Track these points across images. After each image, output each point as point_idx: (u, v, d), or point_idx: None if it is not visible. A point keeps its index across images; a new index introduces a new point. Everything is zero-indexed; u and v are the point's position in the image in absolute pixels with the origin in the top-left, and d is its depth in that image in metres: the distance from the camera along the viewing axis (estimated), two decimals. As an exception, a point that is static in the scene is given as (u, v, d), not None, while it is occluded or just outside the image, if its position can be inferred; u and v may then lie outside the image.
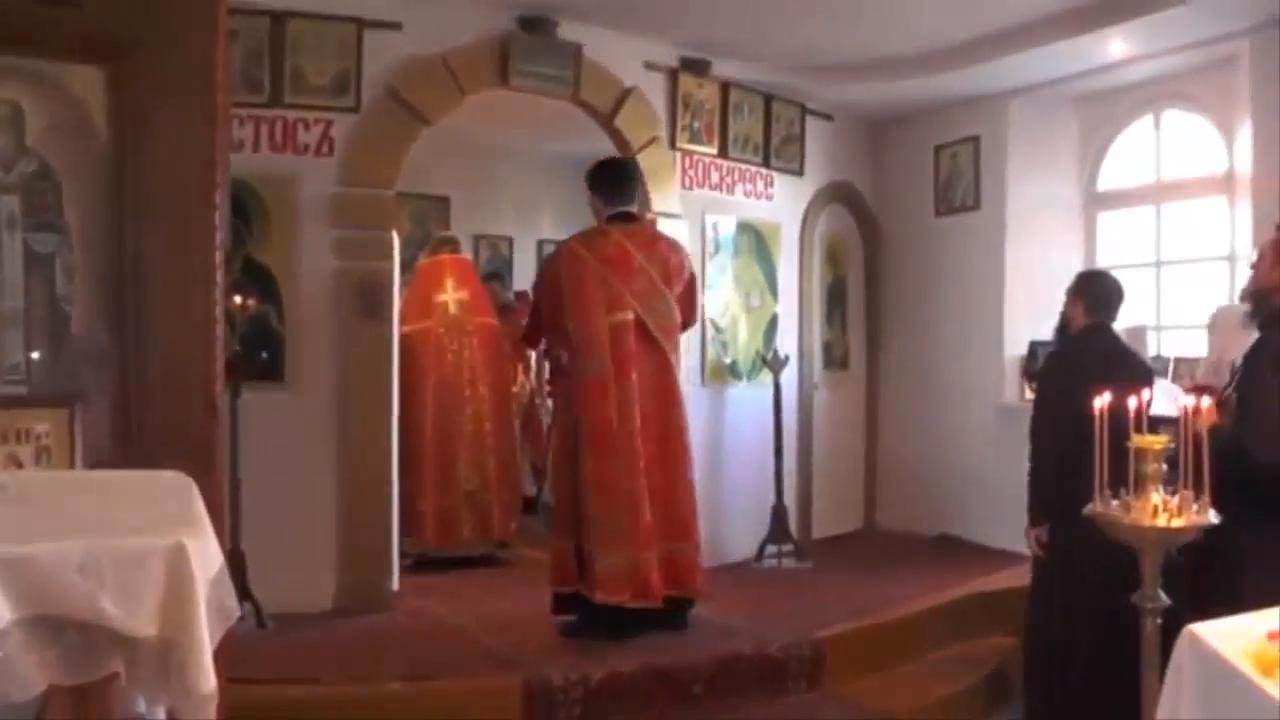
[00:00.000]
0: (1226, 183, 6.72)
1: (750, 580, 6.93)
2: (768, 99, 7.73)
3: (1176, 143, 7.28)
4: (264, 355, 5.71)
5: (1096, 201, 7.82)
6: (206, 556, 2.23)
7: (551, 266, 5.74)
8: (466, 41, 6.28)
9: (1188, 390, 3.98)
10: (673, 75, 7.16)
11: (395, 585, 6.18)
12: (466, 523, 7.21)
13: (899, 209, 8.58)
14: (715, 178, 7.47)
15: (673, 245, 5.80)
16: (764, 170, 7.78)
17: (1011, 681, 5.31)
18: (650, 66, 7.04)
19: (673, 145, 7.15)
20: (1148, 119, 7.45)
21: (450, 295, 7.44)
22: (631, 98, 6.87)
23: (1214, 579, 3.84)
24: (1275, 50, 6.04)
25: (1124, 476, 3.35)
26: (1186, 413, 3.21)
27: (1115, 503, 3.34)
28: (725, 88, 7.46)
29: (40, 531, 2.07)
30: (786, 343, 7.87)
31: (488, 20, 6.33)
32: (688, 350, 6.78)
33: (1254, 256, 4.64)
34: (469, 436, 7.28)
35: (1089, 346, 4.86)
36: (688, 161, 7.28)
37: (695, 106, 7.26)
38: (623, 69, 6.85)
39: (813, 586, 6.75)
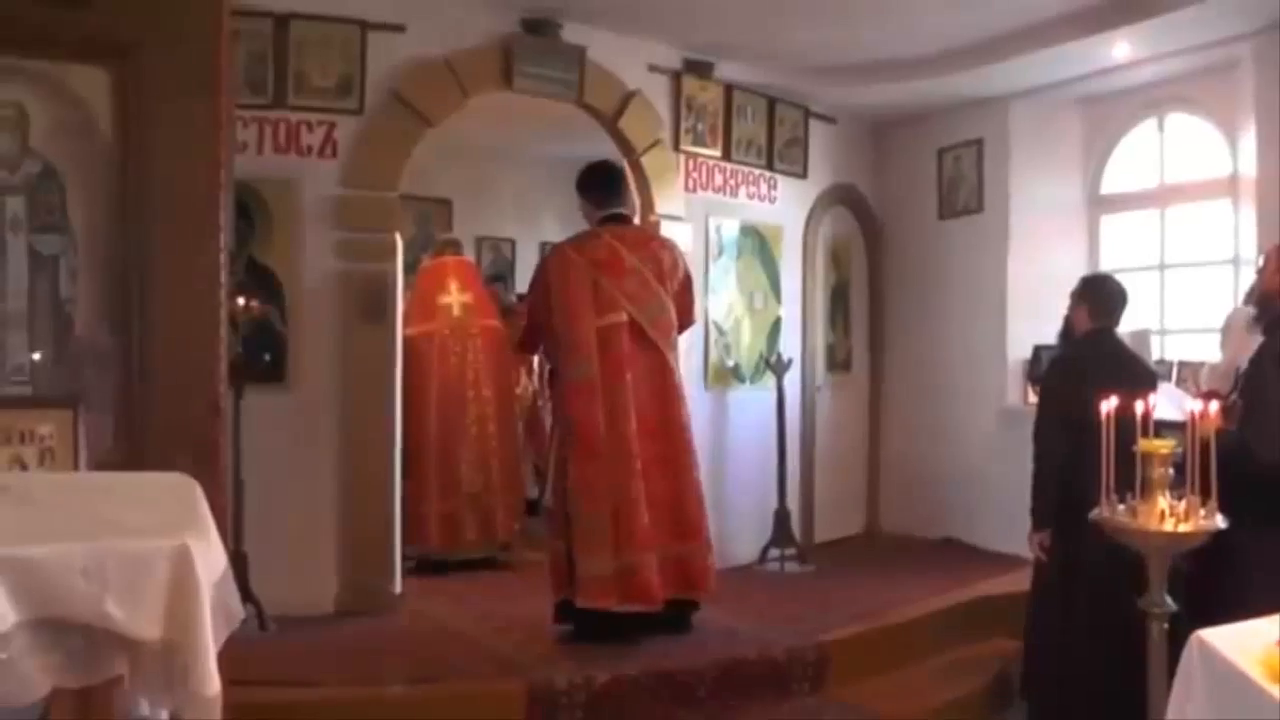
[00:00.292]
0: (1230, 186, 6.71)
1: (753, 583, 6.92)
2: (771, 102, 7.72)
3: (1180, 146, 7.28)
4: (267, 357, 5.70)
5: (1100, 205, 7.81)
6: (211, 559, 2.22)
7: (542, 271, 5.73)
8: (470, 44, 6.28)
9: (1197, 397, 3.97)
10: (676, 78, 7.15)
11: (398, 588, 6.17)
12: (469, 525, 7.20)
13: (902, 212, 8.57)
14: (719, 180, 7.46)
15: (665, 244, 5.79)
16: (767, 173, 7.77)
17: (1014, 686, 5.29)
18: (654, 69, 7.03)
19: (676, 148, 7.15)
20: (1151, 122, 7.44)
21: (454, 298, 7.44)
22: (635, 100, 6.86)
23: (1216, 583, 3.83)
24: (1279, 54, 6.03)
25: (1130, 481, 3.35)
26: (1194, 417, 3.20)
27: (1122, 507, 3.33)
28: (729, 90, 7.45)
29: (44, 533, 2.06)
30: (789, 345, 7.86)
31: (491, 23, 6.33)
32: (690, 353, 6.77)
33: (1260, 261, 4.64)
34: (472, 439, 7.27)
35: (1093, 350, 4.86)
36: (691, 164, 7.27)
37: (699, 109, 7.25)
38: (626, 71, 6.85)
39: (816, 590, 6.74)
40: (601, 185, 5.72)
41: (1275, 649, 2.15)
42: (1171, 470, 3.30)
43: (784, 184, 7.91)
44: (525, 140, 9.38)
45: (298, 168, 5.90)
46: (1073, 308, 5.04)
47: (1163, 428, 3.47)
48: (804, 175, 8.04)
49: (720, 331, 7.42)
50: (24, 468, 3.18)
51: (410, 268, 7.38)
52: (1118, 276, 5.23)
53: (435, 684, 4.79)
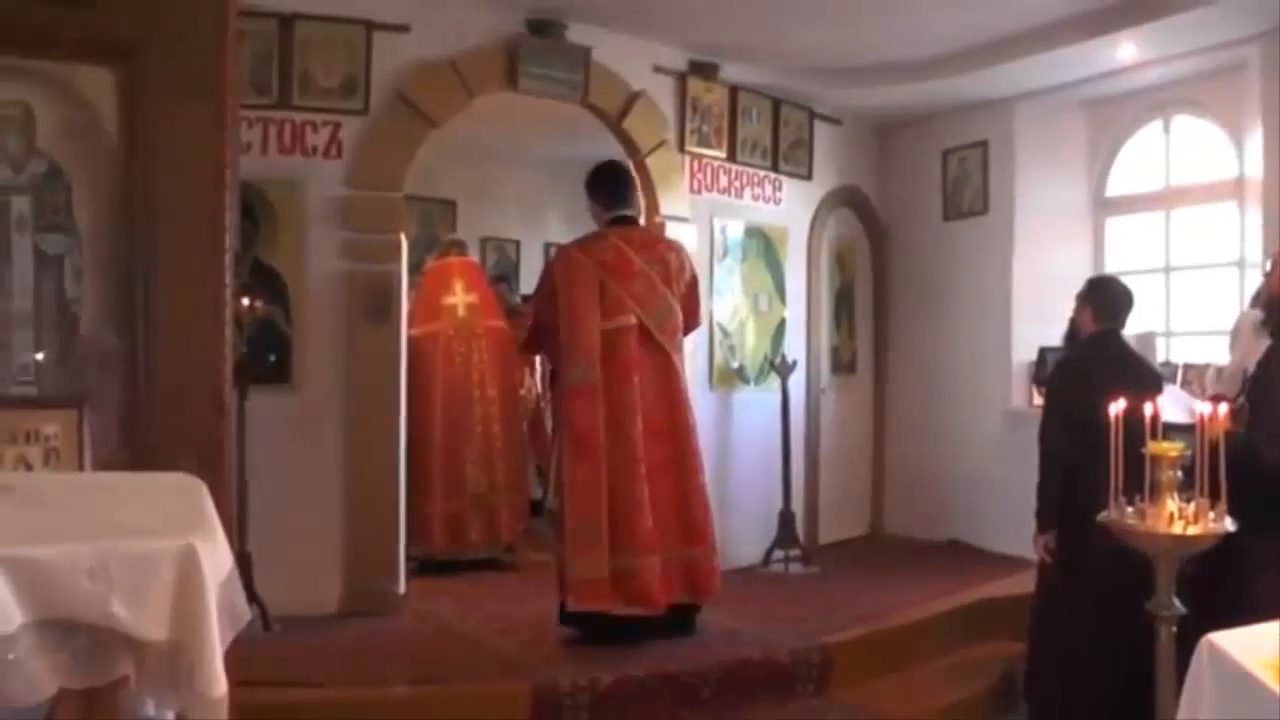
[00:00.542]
0: (1236, 188, 6.71)
1: (757, 585, 6.91)
2: (776, 103, 7.72)
3: (1186, 148, 7.27)
4: (271, 358, 5.70)
5: (1105, 207, 7.80)
6: (217, 559, 2.21)
7: (548, 272, 5.73)
8: (475, 44, 6.28)
9: (1205, 399, 3.97)
10: (681, 79, 7.15)
11: (401, 588, 6.16)
12: (474, 526, 7.20)
13: (907, 213, 8.57)
14: (724, 181, 7.46)
15: (672, 246, 5.77)
16: (772, 174, 7.77)
17: (1019, 688, 5.28)
18: (659, 70, 7.03)
19: (681, 149, 7.15)
20: (1157, 124, 7.44)
21: (459, 298, 7.43)
22: (640, 101, 6.86)
23: (1221, 585, 3.82)
24: (1285, 56, 6.04)
25: (1136, 483, 3.34)
26: (1203, 420, 3.19)
27: (1130, 510, 3.32)
28: (734, 91, 7.45)
29: (50, 534, 2.05)
30: (794, 347, 7.86)
31: (496, 23, 6.33)
32: (695, 354, 6.76)
33: (1267, 265, 4.63)
34: (478, 439, 7.27)
35: (1098, 353, 4.85)
36: (696, 165, 7.27)
37: (704, 110, 7.25)
38: (631, 72, 6.84)
39: (820, 592, 6.73)
40: (610, 186, 5.71)
41: (1287, 653, 2.14)
42: (1180, 473, 3.29)
43: (789, 185, 7.90)
44: (529, 141, 9.38)
45: (302, 168, 5.90)
46: (1078, 310, 5.03)
47: (1168, 430, 3.46)
48: (809, 177, 8.03)
49: (725, 333, 7.41)
50: (29, 468, 3.18)
51: (414, 268, 7.37)
52: (1123, 278, 5.21)
53: (439, 685, 4.79)
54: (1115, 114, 7.65)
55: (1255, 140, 6.41)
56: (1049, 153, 7.73)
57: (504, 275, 9.93)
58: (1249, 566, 3.83)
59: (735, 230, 7.51)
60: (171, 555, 2.05)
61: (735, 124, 7.46)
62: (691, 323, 5.83)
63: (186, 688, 2.05)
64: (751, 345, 7.62)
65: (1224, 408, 3.37)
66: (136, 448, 3.50)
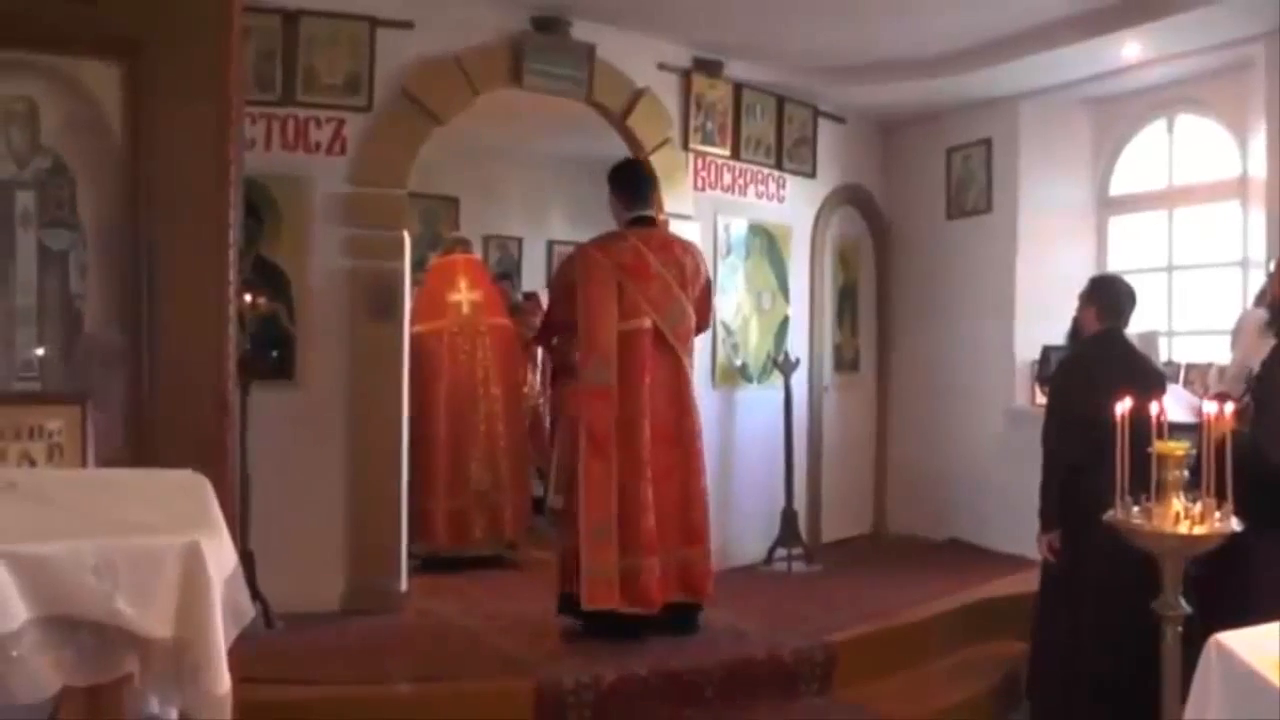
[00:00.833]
0: (1240, 187, 6.70)
1: (760, 583, 6.91)
2: (780, 101, 7.71)
3: (1190, 147, 7.26)
4: (274, 354, 5.69)
5: (1109, 205, 7.79)
6: (221, 557, 2.21)
7: (567, 271, 5.73)
8: (479, 41, 6.26)
9: (1209, 398, 3.96)
10: (686, 76, 7.13)
11: (404, 586, 6.16)
12: (478, 523, 7.20)
13: (910, 212, 8.56)
14: (727, 179, 7.45)
15: (688, 249, 5.76)
16: (776, 172, 7.76)
17: (1022, 687, 5.28)
18: (663, 67, 7.01)
19: (685, 146, 7.13)
20: (1161, 123, 7.43)
21: (464, 295, 7.43)
22: (644, 98, 6.84)
23: (1225, 584, 3.82)
24: (1290, 55, 6.03)
25: (1142, 483, 3.34)
26: (1209, 419, 3.18)
27: (1136, 509, 3.31)
28: (738, 89, 7.43)
29: (54, 530, 2.05)
30: (797, 345, 7.85)
31: (501, 20, 6.32)
32: (698, 352, 6.73)
33: (1270, 265, 4.62)
34: (481, 437, 7.27)
35: (1102, 352, 4.84)
36: (700, 163, 7.26)
37: (708, 107, 7.23)
38: (636, 70, 6.83)
39: (823, 590, 6.72)
40: (634, 185, 5.72)
41: (1294, 652, 2.13)
42: (1185, 472, 3.29)
43: (792, 183, 7.90)
44: (533, 138, 9.37)
45: (306, 165, 5.89)
46: (1081, 309, 5.03)
47: (1172, 430, 3.46)
48: (812, 175, 8.02)
49: (728, 331, 7.40)
50: (32, 464, 3.17)
51: (418, 265, 7.37)
52: (1126, 278, 5.21)
53: (442, 683, 4.79)
54: (1119, 113, 7.64)
55: (1259, 139, 6.39)
56: (1053, 151, 7.72)
57: (506, 273, 9.92)
58: (1253, 566, 3.82)
59: (739, 228, 7.50)
60: (176, 552, 2.04)
61: (739, 121, 7.45)
62: (702, 325, 5.86)
63: (190, 685, 2.04)
64: (754, 343, 7.62)
65: (1230, 407, 3.37)
66: (139, 444, 3.50)
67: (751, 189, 7.63)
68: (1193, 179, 7.19)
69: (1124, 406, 3.44)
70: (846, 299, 8.54)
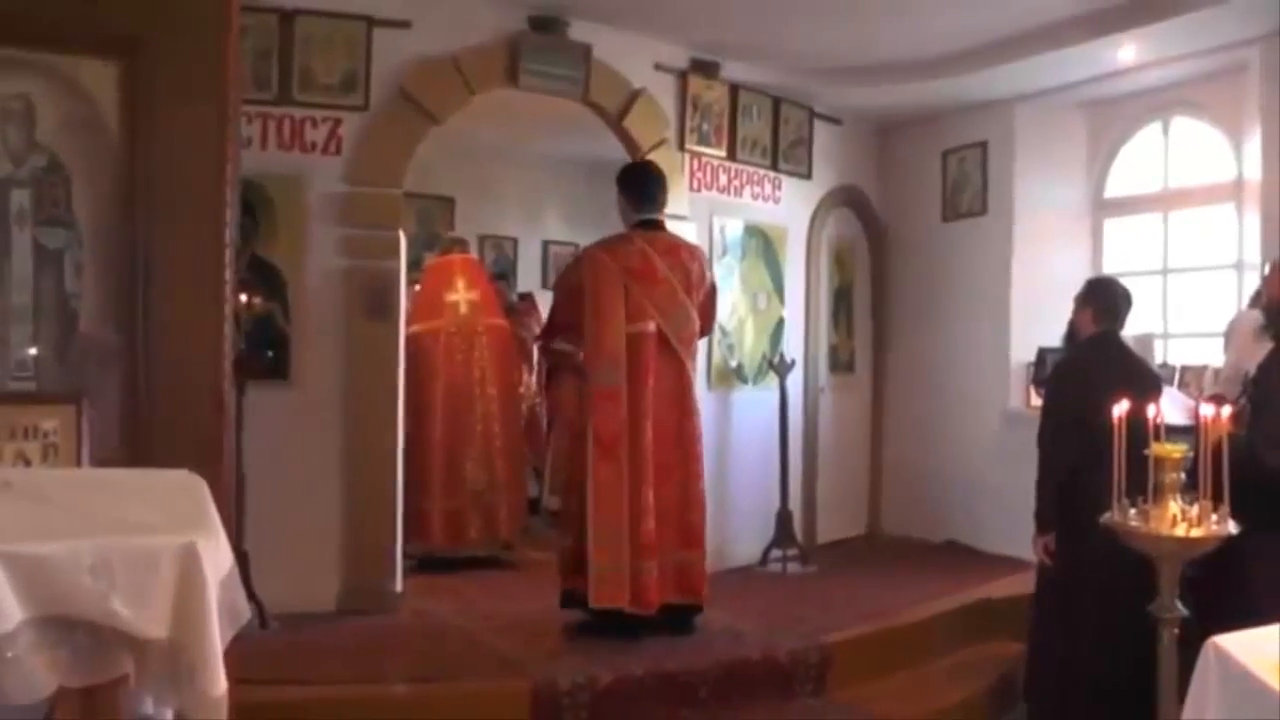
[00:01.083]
0: (1235, 190, 6.71)
1: (755, 584, 6.91)
2: (776, 102, 7.71)
3: (1185, 150, 7.27)
4: (270, 354, 5.68)
5: (1104, 208, 7.80)
6: (218, 557, 2.20)
7: (574, 272, 5.73)
8: (476, 41, 6.26)
9: (1204, 401, 3.96)
10: (682, 77, 7.13)
11: (399, 586, 6.15)
12: (473, 524, 7.19)
13: (906, 213, 8.56)
14: (723, 180, 7.44)
15: (694, 254, 5.76)
16: (772, 173, 7.76)
17: (1018, 689, 5.28)
18: (660, 68, 7.01)
19: (681, 147, 7.12)
20: (1156, 126, 7.44)
21: (461, 295, 7.42)
22: (641, 99, 6.84)
23: (1221, 587, 3.82)
24: (1285, 58, 6.03)
25: (1138, 485, 3.34)
26: (1206, 422, 3.18)
27: (1133, 512, 3.31)
28: (734, 90, 7.42)
29: (50, 530, 2.04)
30: (792, 346, 7.86)
31: (497, 19, 6.31)
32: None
33: (1266, 269, 4.62)
34: (478, 437, 7.25)
35: (1098, 354, 4.84)
36: (696, 163, 7.25)
37: (704, 108, 7.23)
38: (632, 70, 6.82)
39: (818, 591, 6.72)
40: (643, 188, 5.72)
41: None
42: (1183, 475, 3.29)
43: (788, 185, 7.89)
44: (529, 139, 9.36)
45: (302, 164, 5.88)
46: (1077, 311, 5.02)
47: (1168, 432, 3.46)
48: (808, 176, 8.02)
49: (724, 332, 7.39)
50: (27, 463, 3.16)
51: (413, 265, 7.36)
52: (1121, 280, 5.21)
53: (438, 683, 4.78)
54: (1114, 115, 7.65)
55: (1254, 143, 6.41)
56: (1048, 154, 7.72)
57: (502, 273, 9.92)
58: (1249, 568, 3.82)
59: (734, 229, 7.50)
60: (172, 553, 2.04)
61: (735, 122, 7.44)
62: (705, 329, 5.88)
63: (187, 686, 2.04)
64: (750, 344, 7.61)
65: (1227, 409, 3.37)
66: (135, 444, 3.49)
67: (747, 190, 7.62)
68: (1188, 182, 7.21)
69: (1121, 409, 3.44)
70: (842, 300, 8.54)
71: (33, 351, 3.61)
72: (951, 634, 5.96)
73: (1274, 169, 6.18)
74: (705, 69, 7.22)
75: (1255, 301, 5.37)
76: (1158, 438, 3.32)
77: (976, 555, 7.64)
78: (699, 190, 7.25)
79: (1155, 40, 6.40)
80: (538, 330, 8.85)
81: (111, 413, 3.50)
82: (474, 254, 8.77)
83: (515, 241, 10.85)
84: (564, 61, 6.48)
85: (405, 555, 6.39)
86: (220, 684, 2.06)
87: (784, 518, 7.32)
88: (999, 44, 6.84)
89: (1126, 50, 6.60)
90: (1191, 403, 5.15)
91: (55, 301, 3.59)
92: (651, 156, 6.75)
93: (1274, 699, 2.05)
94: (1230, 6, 5.79)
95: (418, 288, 7.67)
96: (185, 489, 2.50)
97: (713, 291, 5.84)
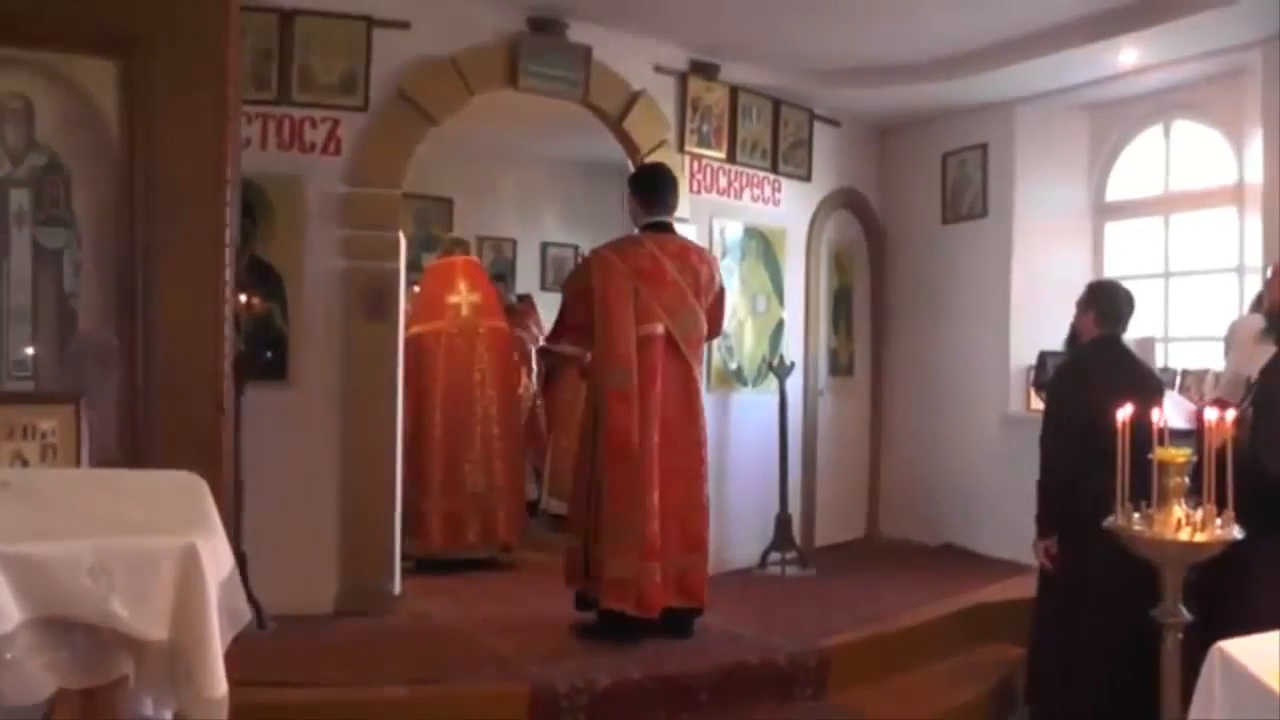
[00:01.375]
0: (1236, 194, 6.69)
1: (754, 587, 6.89)
2: (776, 103, 7.69)
3: (1186, 153, 7.25)
4: (268, 354, 5.66)
5: (1105, 211, 7.78)
6: (218, 559, 2.20)
7: (583, 274, 5.72)
8: (475, 41, 6.24)
9: (1208, 405, 3.95)
10: (682, 79, 7.11)
11: (397, 588, 6.13)
12: (472, 526, 7.16)
13: (906, 216, 8.55)
14: (723, 182, 7.43)
15: (705, 258, 5.75)
16: (771, 175, 7.74)
17: (1017, 693, 5.27)
18: (659, 70, 6.99)
19: (681, 149, 7.10)
20: (1158, 129, 7.41)
21: (463, 297, 7.39)
22: (640, 101, 6.82)
23: (1223, 591, 3.81)
24: (1287, 61, 6.02)
25: (1141, 489, 3.32)
26: (1210, 426, 3.17)
27: (1137, 516, 3.30)
28: (734, 92, 7.41)
29: (49, 531, 2.04)
30: (792, 349, 7.84)
31: (497, 20, 6.30)
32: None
33: (1268, 272, 4.61)
34: (478, 440, 7.22)
35: (1100, 357, 4.83)
36: (696, 165, 7.23)
37: (704, 110, 7.21)
38: (632, 72, 6.81)
39: (817, 595, 6.70)
40: (655, 190, 5.71)
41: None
42: (1186, 479, 3.27)
43: (788, 187, 7.87)
44: (527, 140, 9.36)
45: (301, 164, 5.86)
46: (1080, 314, 5.01)
47: (1171, 436, 3.44)
48: (808, 178, 8.00)
49: (723, 334, 7.37)
50: (25, 464, 3.15)
51: (411, 266, 7.34)
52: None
53: (436, 685, 4.75)
54: (1116, 118, 7.63)
55: (1255, 146, 6.39)
56: (1049, 156, 7.70)
57: (500, 274, 9.89)
58: (1252, 573, 3.81)
59: (734, 231, 7.48)
60: (173, 554, 2.04)
61: (735, 124, 7.42)
62: (713, 333, 5.89)
63: (186, 688, 2.04)
64: (749, 347, 7.60)
65: (1231, 414, 3.35)
66: (134, 445, 3.49)
67: (747, 192, 7.61)
68: (1189, 185, 7.19)
69: (1125, 413, 3.43)
70: (841, 303, 8.52)
71: (31, 351, 3.60)
72: (951, 638, 5.94)
73: (1275, 172, 6.16)
74: (705, 71, 7.20)
75: (1257, 305, 5.36)
76: (1161, 442, 3.30)
77: (975, 559, 7.62)
78: (699, 192, 7.24)
79: (1156, 43, 6.39)
80: (536, 331, 8.89)
81: (110, 413, 3.49)
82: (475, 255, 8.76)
83: (514, 243, 10.83)
84: (563, 63, 6.46)
85: (403, 557, 6.37)
86: (220, 686, 2.06)
87: (783, 521, 7.30)
88: (1000, 46, 6.82)
89: (1128, 53, 6.58)
90: (1193, 407, 5.13)
91: (54, 301, 3.59)
92: (651, 159, 6.74)
93: (1278, 704, 2.04)
94: (1232, 9, 5.78)
95: (416, 289, 7.65)
96: (186, 490, 2.49)
97: (721, 295, 5.83)
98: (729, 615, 5.86)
